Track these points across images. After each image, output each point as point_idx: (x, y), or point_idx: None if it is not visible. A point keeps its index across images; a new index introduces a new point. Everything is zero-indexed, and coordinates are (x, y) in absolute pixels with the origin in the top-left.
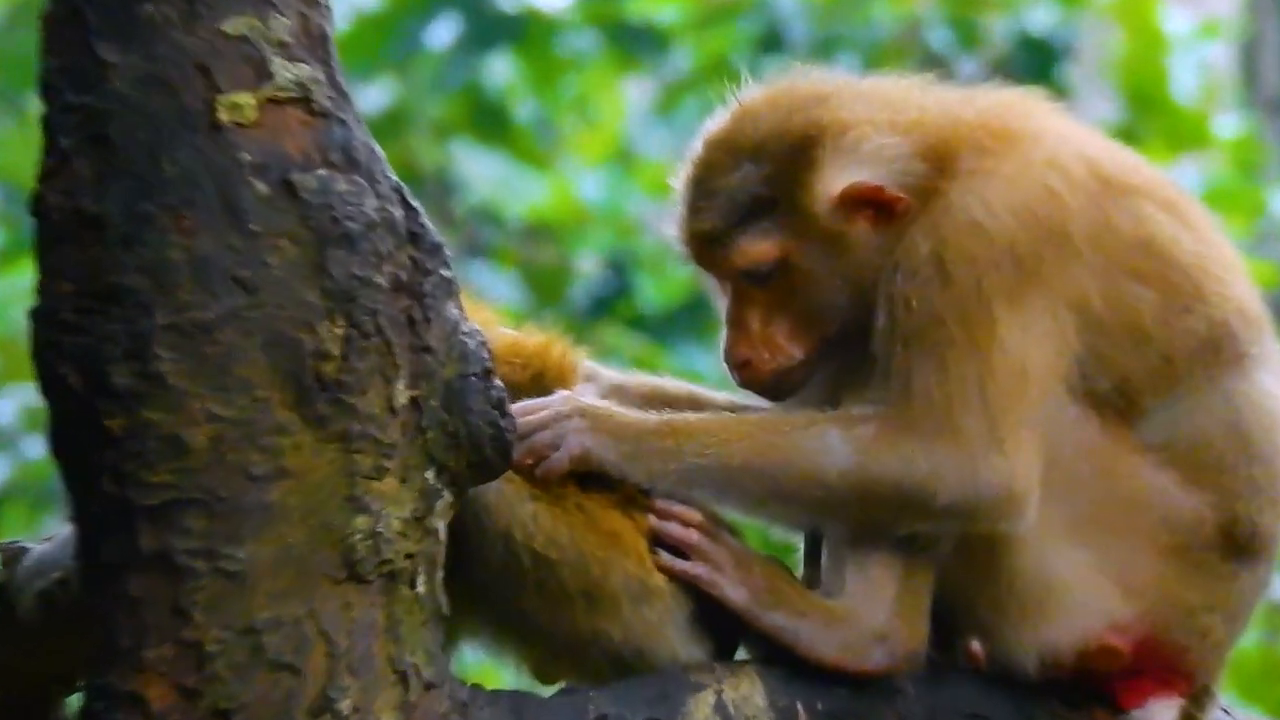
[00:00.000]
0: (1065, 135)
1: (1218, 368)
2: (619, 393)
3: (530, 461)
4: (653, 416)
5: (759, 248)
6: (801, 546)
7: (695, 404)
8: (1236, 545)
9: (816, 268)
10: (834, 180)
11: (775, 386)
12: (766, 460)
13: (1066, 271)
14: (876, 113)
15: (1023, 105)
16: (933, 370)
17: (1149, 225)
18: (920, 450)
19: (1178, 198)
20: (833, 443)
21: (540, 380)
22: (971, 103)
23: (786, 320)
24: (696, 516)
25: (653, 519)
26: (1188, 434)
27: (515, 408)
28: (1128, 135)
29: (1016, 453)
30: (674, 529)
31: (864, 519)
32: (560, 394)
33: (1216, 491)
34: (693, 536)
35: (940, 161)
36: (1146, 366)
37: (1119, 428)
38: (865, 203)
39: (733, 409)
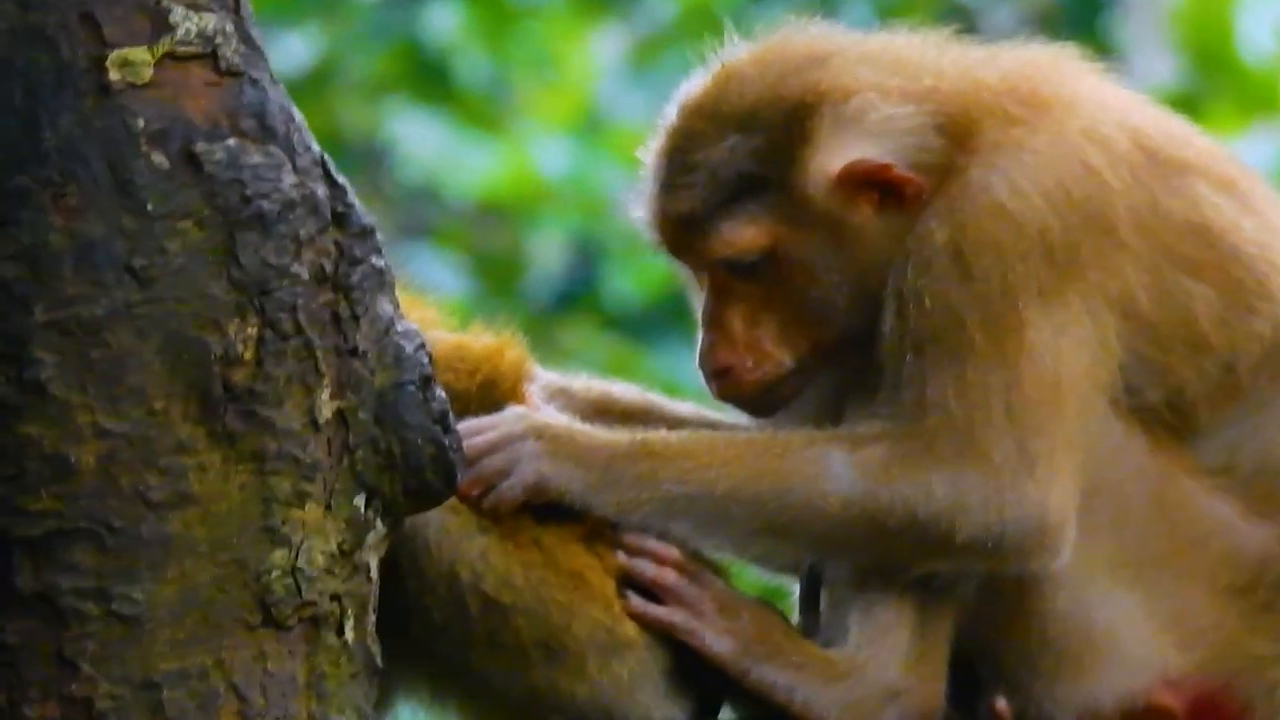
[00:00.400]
0: (1105, 102)
1: None
2: (564, 399)
3: (477, 491)
4: (623, 437)
5: (744, 235)
6: (797, 589)
7: (652, 416)
8: None
9: (811, 259)
10: (833, 156)
11: (760, 399)
12: (758, 488)
13: (1108, 263)
14: (885, 77)
15: (1056, 67)
16: (951, 381)
17: (1204, 209)
18: (938, 476)
19: (1238, 176)
20: (836, 467)
21: (490, 392)
22: (996, 64)
23: (775, 321)
24: (674, 553)
25: (622, 556)
26: (1252, 455)
27: (461, 426)
28: (1188, 101)
29: (1050, 479)
30: (647, 568)
31: (872, 556)
32: (513, 410)
33: None
34: (669, 577)
35: (959, 134)
36: (1204, 376)
37: (1172, 448)
38: (870, 184)
39: (703, 423)
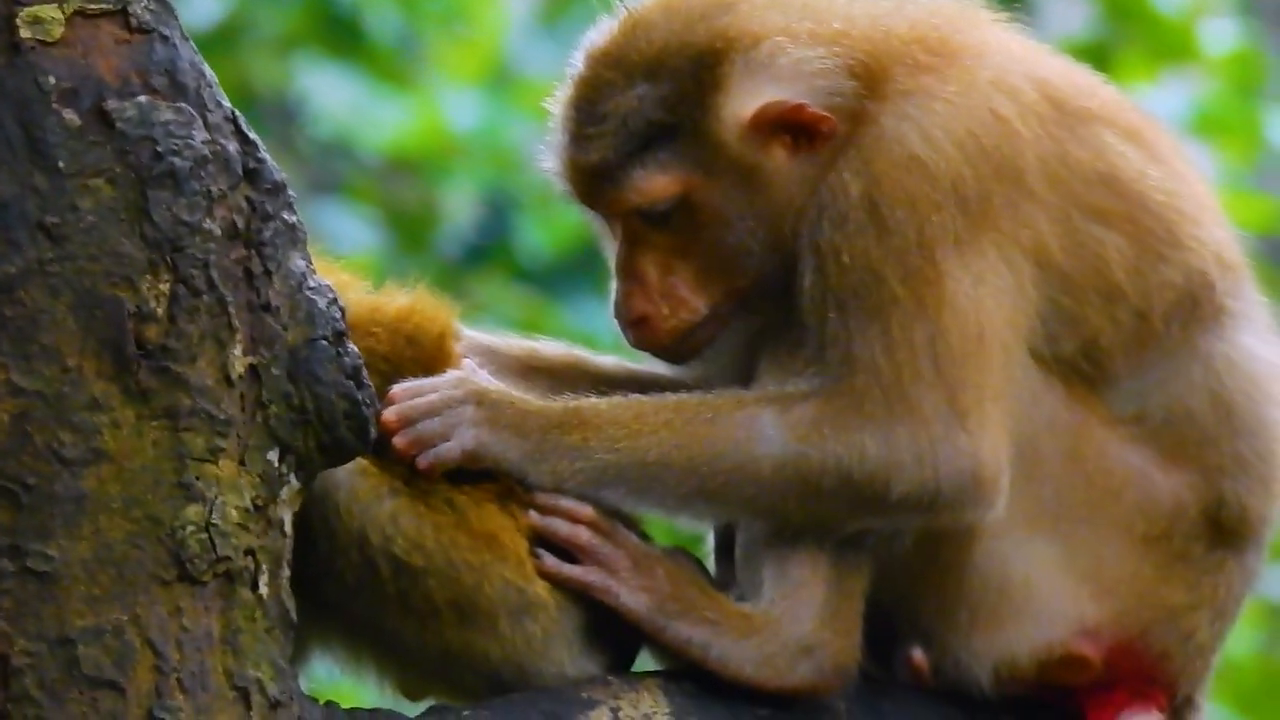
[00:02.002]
0: (1012, 52)
1: (1196, 325)
2: (489, 358)
3: (414, 452)
4: (557, 405)
5: (656, 183)
6: (711, 541)
7: (578, 371)
8: (1223, 531)
9: (724, 205)
10: (745, 101)
11: (675, 347)
12: (689, 453)
13: (1019, 212)
14: (794, 22)
15: (964, 16)
16: (876, 338)
17: (1111, 158)
18: (869, 433)
19: (1143, 125)
20: (766, 429)
21: (406, 353)
22: (904, 12)
23: (689, 269)
24: (586, 511)
25: (534, 516)
26: (1164, 404)
27: (401, 388)
28: (1101, 49)
29: (981, 429)
30: (560, 527)
31: (806, 516)
32: (453, 374)
33: (1199, 470)
34: (582, 535)
35: (869, 80)
36: (1118, 325)
37: (1087, 399)
38: (783, 126)
39: (629, 377)
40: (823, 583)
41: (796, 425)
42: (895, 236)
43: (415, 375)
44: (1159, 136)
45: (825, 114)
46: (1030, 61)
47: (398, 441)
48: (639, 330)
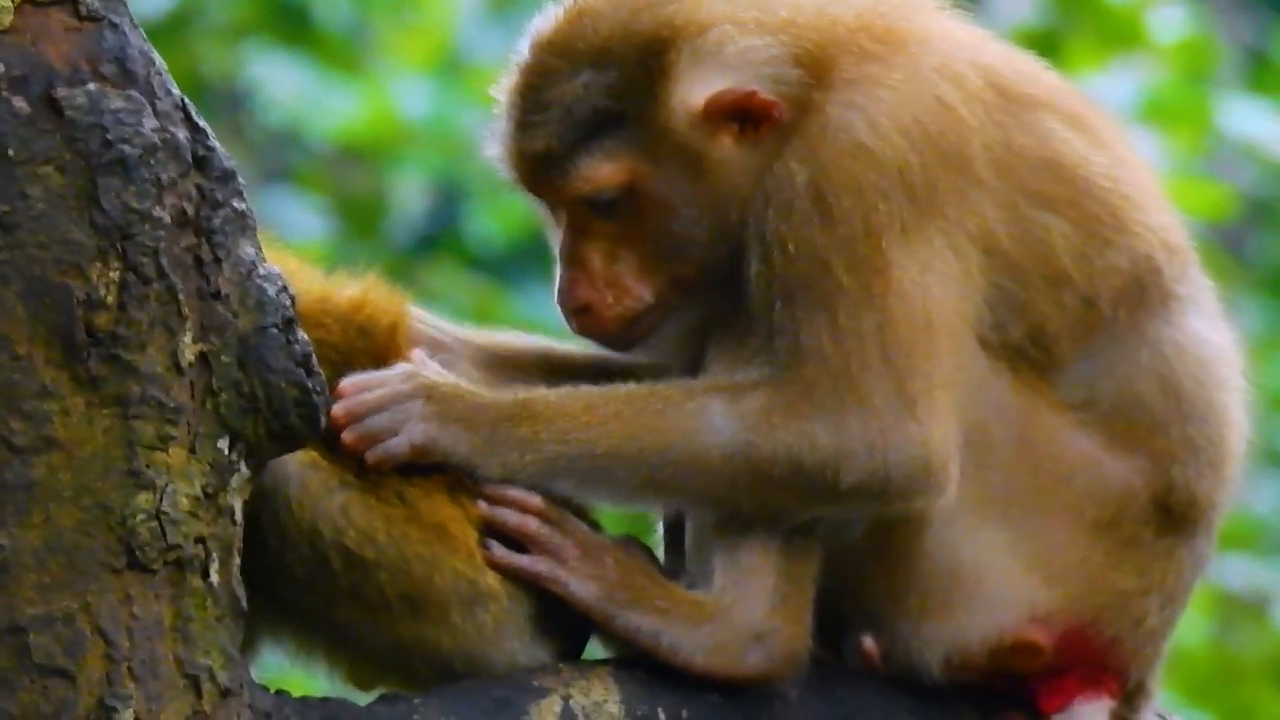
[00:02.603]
0: (957, 39)
1: (1143, 310)
2: (450, 344)
3: (363, 447)
4: (506, 398)
5: (602, 171)
6: (661, 528)
7: (546, 360)
8: (1173, 516)
9: (670, 194)
10: (694, 89)
11: (620, 335)
12: (639, 444)
13: (965, 200)
14: (740, 10)
15: (908, 4)
16: (824, 327)
17: (1055, 144)
18: (819, 422)
19: (1086, 110)
20: (715, 419)
21: (358, 344)
22: (849, 0)
23: (634, 257)
24: (535, 501)
25: (483, 505)
26: (1112, 389)
27: (349, 382)
28: (1049, 37)
29: (930, 417)
30: (508, 516)
31: (757, 506)
32: (402, 368)
33: (1148, 455)
34: (531, 525)
35: (815, 69)
36: (1065, 310)
37: (1035, 384)
38: (733, 114)
39: (597, 370)
40: (773, 570)
41: (746, 415)
42: (841, 225)
43: (367, 366)
44: (1103, 122)
45: (774, 100)
46: (974, 48)
47: (346, 437)
48: (582, 318)
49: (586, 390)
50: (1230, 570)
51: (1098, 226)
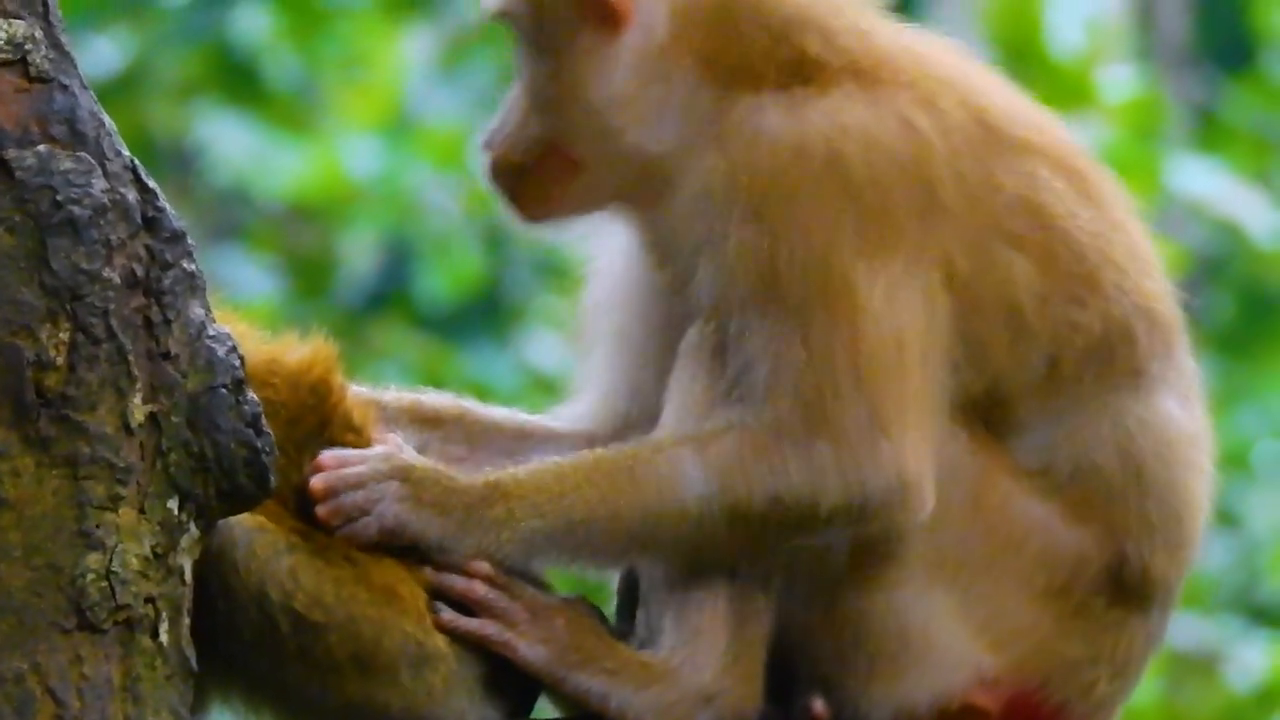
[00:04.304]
0: (949, 73)
1: (1109, 380)
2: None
3: (336, 522)
4: (478, 480)
5: None
6: (614, 588)
7: (465, 421)
8: (1124, 589)
9: (537, 47)
10: None
11: (510, 186)
12: (614, 506)
13: (927, 224)
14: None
15: (911, 35)
16: (797, 351)
17: (1041, 190)
18: (791, 456)
19: (1084, 167)
20: (687, 469)
21: (309, 401)
22: (876, 30)
23: (525, 99)
24: (483, 567)
25: (429, 571)
26: (1070, 458)
27: (329, 456)
28: None
29: (903, 434)
30: (455, 581)
31: (739, 546)
32: (380, 449)
33: (1103, 527)
34: (477, 589)
35: (796, 61)
36: (1026, 367)
37: (992, 447)
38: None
39: (516, 429)
40: (723, 630)
41: (717, 461)
42: (793, 238)
43: (314, 425)
44: (1101, 180)
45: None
46: (968, 86)
47: (320, 511)
48: (485, 155)
49: (554, 461)
50: (1180, 628)
51: (1068, 280)
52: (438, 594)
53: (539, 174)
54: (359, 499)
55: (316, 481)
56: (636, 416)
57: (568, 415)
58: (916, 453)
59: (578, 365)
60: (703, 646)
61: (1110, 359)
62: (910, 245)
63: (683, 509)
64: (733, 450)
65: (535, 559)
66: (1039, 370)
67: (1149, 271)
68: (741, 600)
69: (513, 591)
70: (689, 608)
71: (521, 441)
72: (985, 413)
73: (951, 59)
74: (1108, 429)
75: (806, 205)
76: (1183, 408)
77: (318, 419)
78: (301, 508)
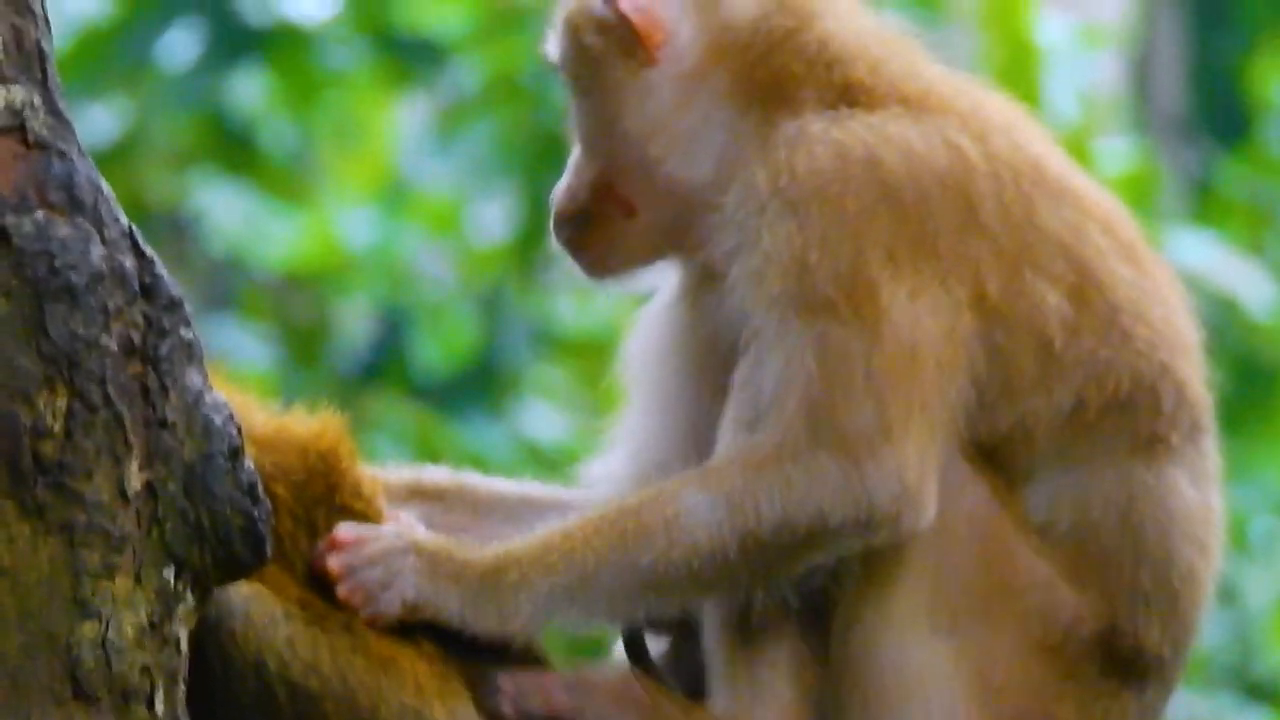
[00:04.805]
0: (1004, 118)
1: (1127, 438)
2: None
3: (357, 600)
4: (489, 552)
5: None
6: (620, 640)
7: (465, 495)
8: (1116, 660)
9: (577, 85)
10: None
11: (573, 239)
12: (624, 550)
13: (963, 241)
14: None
15: (976, 87)
16: (810, 358)
17: (1084, 243)
18: (795, 470)
19: (1134, 238)
20: (693, 504)
21: (316, 475)
22: (919, 63)
23: (580, 144)
24: (547, 680)
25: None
26: (1072, 514)
27: (346, 534)
28: None
29: (905, 437)
30: (536, 710)
31: (756, 572)
32: (393, 526)
33: (1098, 591)
34: (558, 699)
35: (849, 85)
36: (1052, 402)
37: (1004, 497)
38: (620, 33)
39: (519, 499)
40: (786, 684)
41: (721, 490)
42: (828, 241)
43: (321, 491)
44: (1149, 255)
45: (654, 27)
46: (1022, 132)
47: (341, 591)
48: (551, 213)
49: (560, 522)
50: (1175, 703)
51: (1101, 321)
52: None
53: (599, 221)
54: (378, 576)
55: (334, 563)
56: (668, 473)
57: (595, 474)
58: (919, 459)
59: (612, 421)
60: (770, 702)
61: (1133, 416)
62: (941, 257)
63: (694, 544)
64: (737, 476)
65: (556, 618)
66: (1064, 409)
67: (1184, 350)
68: (797, 651)
69: (585, 681)
70: (752, 662)
71: (526, 511)
72: (1006, 458)
73: (1009, 108)
74: (1111, 489)
75: (841, 204)
76: (1194, 486)
77: (326, 485)
78: (307, 573)
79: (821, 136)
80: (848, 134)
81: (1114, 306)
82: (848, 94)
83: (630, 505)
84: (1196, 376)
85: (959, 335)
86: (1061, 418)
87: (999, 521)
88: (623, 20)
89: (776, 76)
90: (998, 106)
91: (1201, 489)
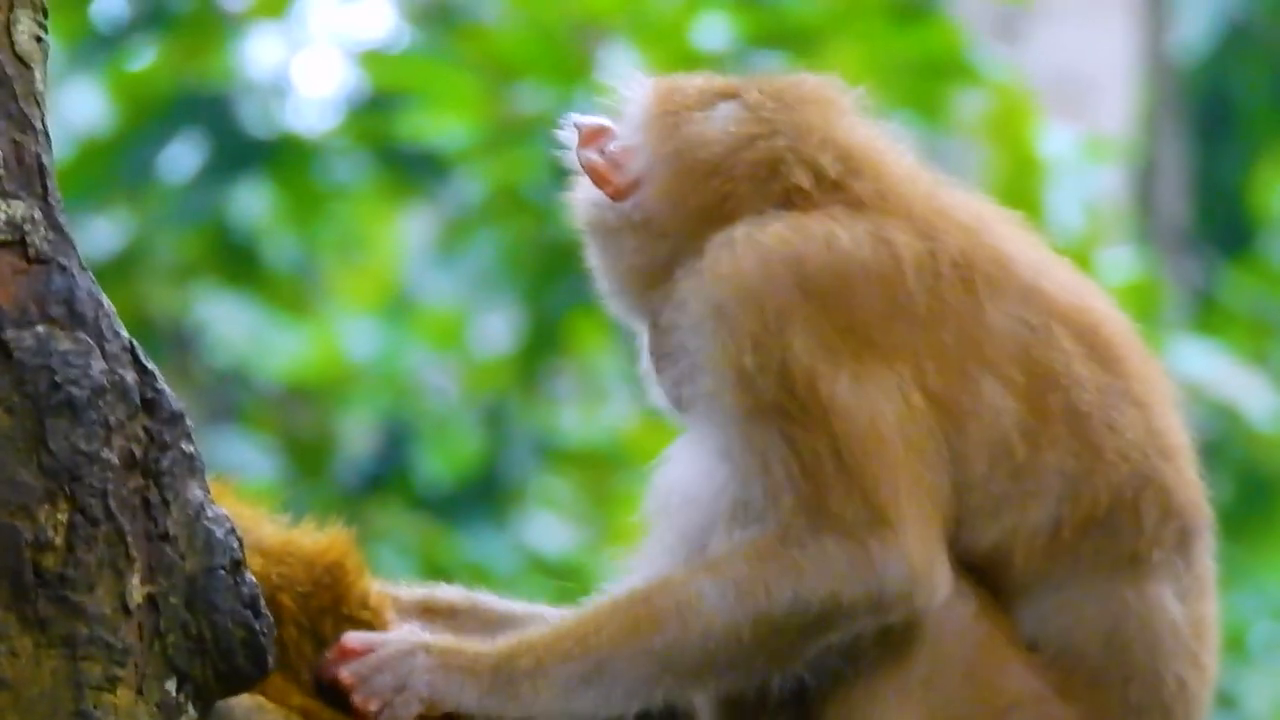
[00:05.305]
0: (970, 219)
1: (1109, 557)
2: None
3: (374, 707)
4: (502, 641)
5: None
6: None
7: (479, 612)
8: None
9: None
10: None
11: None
12: (639, 635)
13: (895, 332)
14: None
15: (941, 183)
16: (785, 454)
17: (1040, 342)
18: (802, 555)
19: (1116, 341)
20: (703, 590)
21: (324, 579)
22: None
23: None
24: None
25: None
26: (1060, 633)
27: (353, 642)
28: None
29: (903, 522)
30: None
31: (770, 656)
32: (399, 632)
33: (1089, 706)
34: None
35: (785, 189)
36: (1030, 521)
37: (994, 612)
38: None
39: (532, 616)
40: None
41: (731, 576)
42: (758, 346)
43: (328, 602)
44: (1134, 360)
45: (608, 175)
46: (988, 233)
47: (357, 700)
48: None
49: (572, 611)
50: None
51: (1065, 434)
52: None
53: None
54: (390, 680)
55: (345, 673)
56: None
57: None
58: (922, 539)
59: (624, 539)
60: None
61: (1113, 536)
62: (876, 344)
63: (707, 627)
64: (744, 563)
65: (574, 704)
66: (1043, 528)
67: (1170, 456)
68: None
69: None
70: None
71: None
72: (993, 576)
73: (988, 212)
74: (1096, 610)
75: (762, 304)
76: (1182, 599)
77: (332, 596)
78: (314, 683)
79: (744, 239)
80: (769, 234)
81: (1077, 413)
82: (786, 200)
83: (640, 593)
84: (1184, 480)
85: (916, 413)
86: (1041, 538)
87: (990, 637)
88: (584, 167)
89: (722, 195)
90: (973, 210)
91: (1192, 600)
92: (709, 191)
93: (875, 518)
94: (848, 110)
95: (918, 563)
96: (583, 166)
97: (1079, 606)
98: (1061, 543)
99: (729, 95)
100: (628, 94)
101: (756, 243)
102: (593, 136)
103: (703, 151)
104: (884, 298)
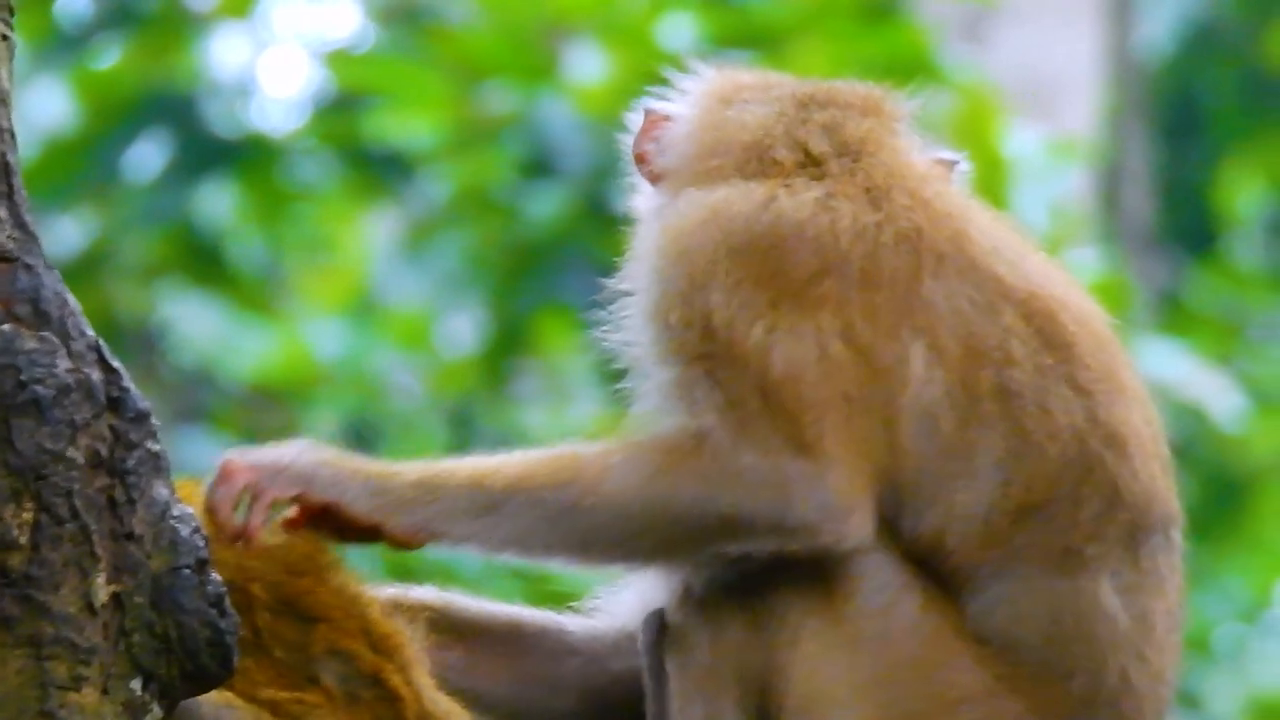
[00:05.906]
0: (943, 202)
1: (1039, 550)
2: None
3: (248, 478)
4: (395, 464)
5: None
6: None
7: (453, 614)
8: None
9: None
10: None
11: None
12: (536, 488)
13: (818, 283)
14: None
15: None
16: (708, 391)
17: (981, 319)
18: (718, 464)
19: (1077, 333)
20: (613, 465)
21: (293, 575)
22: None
23: None
24: None
25: None
26: (1003, 626)
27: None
28: None
29: (827, 460)
30: None
31: (662, 545)
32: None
33: (1036, 700)
34: None
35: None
36: (963, 508)
37: (943, 604)
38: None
39: (507, 620)
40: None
41: (643, 460)
42: (685, 296)
43: (301, 587)
44: (1096, 353)
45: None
46: (955, 216)
47: (229, 467)
48: None
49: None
50: None
51: (994, 412)
52: None
53: None
54: (272, 459)
55: (232, 454)
56: None
57: (608, 603)
58: (847, 479)
59: None
60: None
61: (1047, 526)
62: (799, 296)
63: (604, 500)
64: (660, 453)
65: (456, 530)
66: (978, 515)
67: (1117, 447)
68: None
69: None
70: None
71: (513, 634)
72: (938, 566)
73: (969, 204)
74: (1034, 602)
75: (691, 259)
76: (1125, 594)
77: (311, 581)
78: (280, 674)
79: (693, 201)
80: (715, 196)
81: (1007, 391)
82: (761, 173)
83: (551, 452)
84: (1136, 473)
85: (839, 363)
86: (975, 525)
87: (939, 630)
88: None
89: (714, 168)
90: (958, 201)
91: (1140, 596)
92: (708, 166)
93: (799, 447)
94: (886, 114)
95: (835, 499)
96: (631, 152)
97: (1019, 599)
98: (997, 531)
99: (779, 91)
100: (689, 84)
101: (700, 204)
102: (653, 124)
103: (739, 133)
104: (814, 255)
